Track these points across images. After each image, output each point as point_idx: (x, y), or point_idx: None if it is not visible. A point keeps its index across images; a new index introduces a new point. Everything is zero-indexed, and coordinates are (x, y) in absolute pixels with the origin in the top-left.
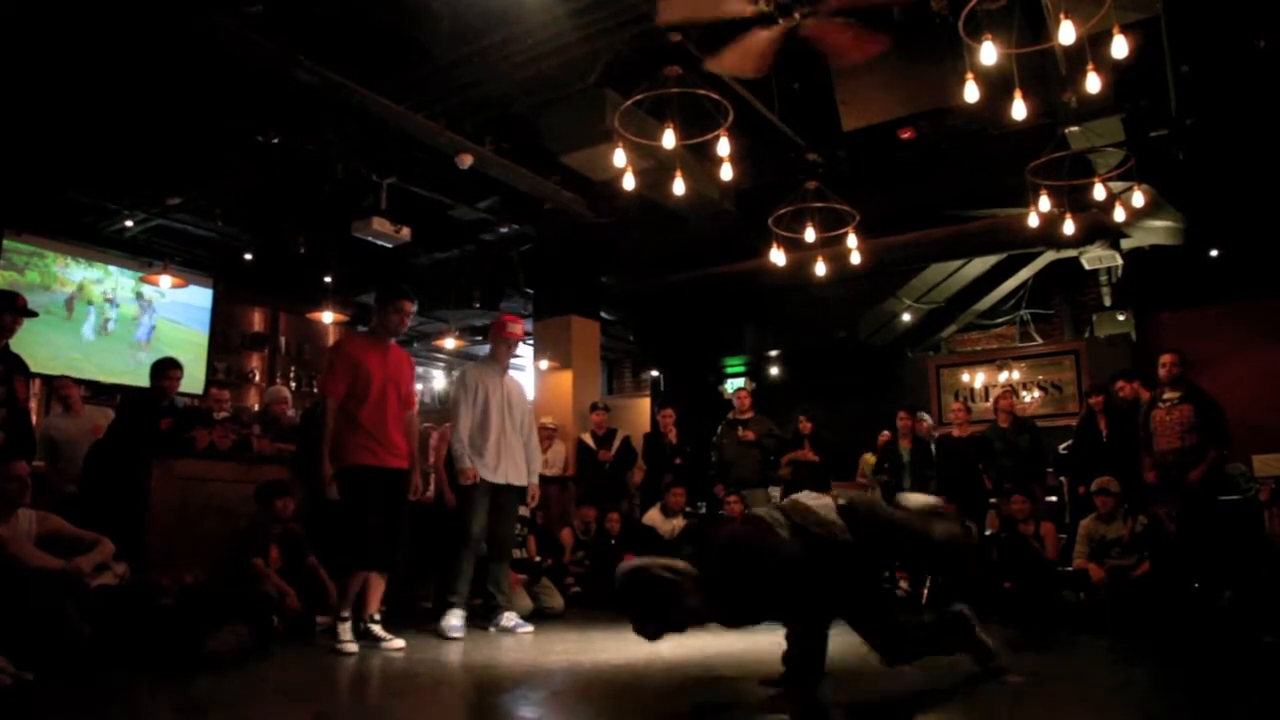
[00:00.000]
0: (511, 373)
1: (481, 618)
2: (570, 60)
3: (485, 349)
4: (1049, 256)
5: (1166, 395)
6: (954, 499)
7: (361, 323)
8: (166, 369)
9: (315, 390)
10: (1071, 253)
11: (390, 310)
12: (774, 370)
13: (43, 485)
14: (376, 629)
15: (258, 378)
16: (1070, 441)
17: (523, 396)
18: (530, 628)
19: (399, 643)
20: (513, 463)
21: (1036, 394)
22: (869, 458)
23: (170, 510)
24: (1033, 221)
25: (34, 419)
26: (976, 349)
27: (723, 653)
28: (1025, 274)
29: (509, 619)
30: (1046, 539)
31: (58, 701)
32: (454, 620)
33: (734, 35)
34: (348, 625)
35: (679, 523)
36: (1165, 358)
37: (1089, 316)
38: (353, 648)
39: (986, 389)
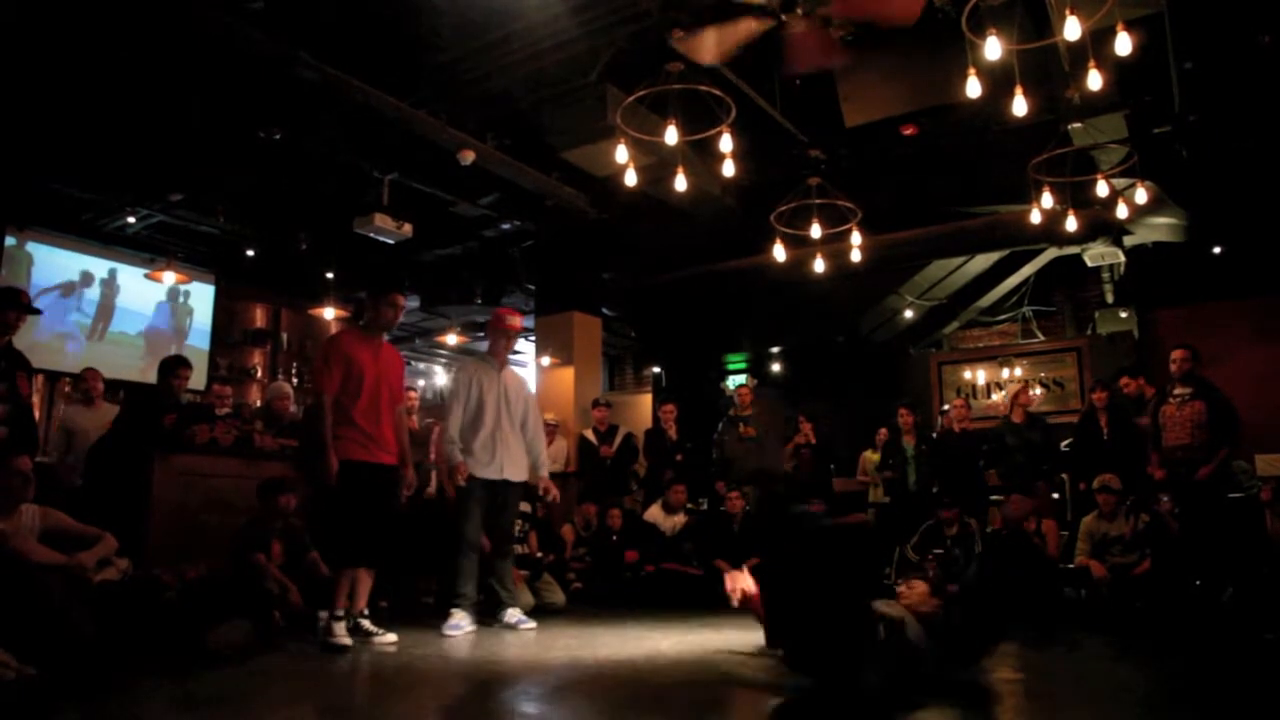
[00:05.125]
0: (513, 367)
1: (484, 614)
2: (572, 56)
3: (485, 344)
4: (1051, 253)
5: (1177, 391)
6: (955, 495)
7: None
8: (175, 367)
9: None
10: (1074, 249)
11: (384, 304)
12: (775, 367)
13: (49, 478)
14: (367, 624)
15: (260, 374)
16: (1071, 439)
17: (523, 391)
18: (533, 624)
19: (390, 637)
20: (510, 458)
21: (1038, 391)
22: (870, 455)
23: (172, 506)
24: (1035, 218)
25: (35, 414)
26: (978, 346)
27: (724, 648)
28: (1027, 271)
29: (512, 615)
30: (1048, 536)
31: (60, 696)
32: (459, 621)
33: (719, 20)
34: (341, 623)
35: (680, 519)
36: (1176, 353)
37: (1091, 313)
38: (346, 641)
39: (989, 386)
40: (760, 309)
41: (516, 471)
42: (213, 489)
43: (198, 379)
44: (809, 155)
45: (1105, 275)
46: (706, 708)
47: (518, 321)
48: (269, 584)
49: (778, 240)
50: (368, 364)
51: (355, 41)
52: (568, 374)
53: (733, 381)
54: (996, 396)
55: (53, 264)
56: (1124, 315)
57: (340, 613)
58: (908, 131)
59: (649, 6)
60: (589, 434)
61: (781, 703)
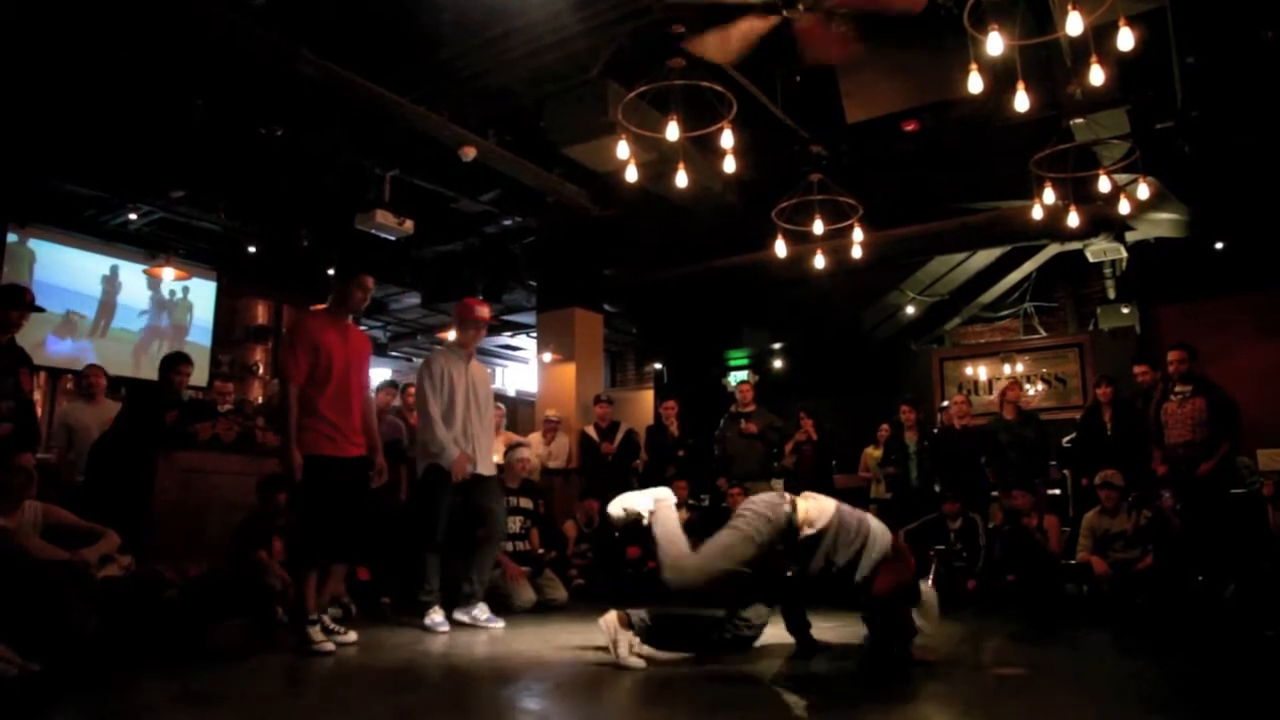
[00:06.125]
0: (477, 359)
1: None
2: (573, 53)
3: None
4: (1053, 249)
5: (1178, 388)
6: (957, 492)
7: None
8: (176, 364)
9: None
10: (1076, 245)
11: (353, 286)
12: (777, 363)
13: (50, 476)
14: (326, 619)
15: (261, 370)
16: (1074, 434)
17: (488, 383)
18: (501, 623)
19: (351, 636)
20: (481, 451)
21: (1040, 387)
22: (872, 452)
23: (174, 503)
24: (1037, 214)
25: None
26: (980, 342)
27: None
28: (1029, 266)
29: (480, 611)
30: (1050, 532)
31: (63, 692)
32: (436, 617)
33: (726, 20)
34: (317, 628)
35: (682, 515)
36: (1173, 354)
37: (1093, 309)
38: (329, 647)
39: (990, 382)
40: (762, 305)
41: (487, 465)
42: (215, 486)
43: (199, 376)
44: (810, 151)
45: (1107, 271)
46: (708, 705)
47: (486, 312)
48: (270, 580)
49: (779, 236)
50: (336, 349)
51: (356, 38)
52: (569, 370)
53: (734, 378)
54: (998, 392)
55: (54, 261)
56: (1126, 311)
57: (315, 618)
58: (909, 127)
59: (650, 3)
60: (590, 430)
61: (783, 700)
